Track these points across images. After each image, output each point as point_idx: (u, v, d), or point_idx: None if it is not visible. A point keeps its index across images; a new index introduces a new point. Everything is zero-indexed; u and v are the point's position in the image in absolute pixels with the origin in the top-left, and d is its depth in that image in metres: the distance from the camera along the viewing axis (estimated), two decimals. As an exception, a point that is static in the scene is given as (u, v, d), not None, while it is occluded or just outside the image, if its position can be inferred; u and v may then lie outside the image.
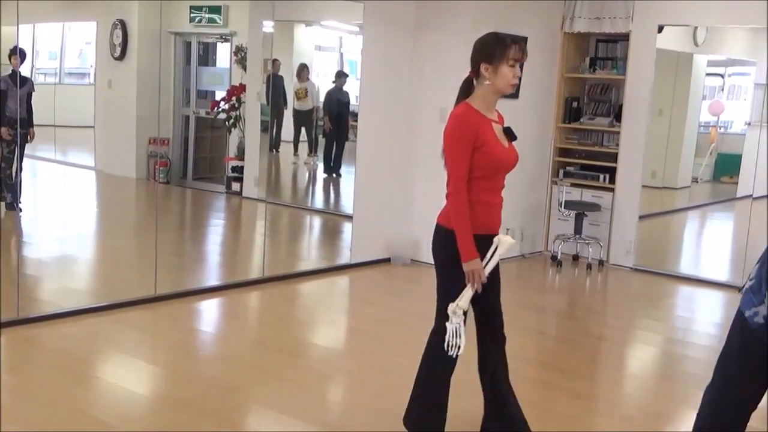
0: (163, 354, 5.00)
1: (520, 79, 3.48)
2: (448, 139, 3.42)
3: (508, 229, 3.57)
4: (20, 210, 6.80)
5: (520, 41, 3.45)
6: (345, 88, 8.82)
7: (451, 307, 3.41)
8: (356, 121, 7.52)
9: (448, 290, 3.48)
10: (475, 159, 3.37)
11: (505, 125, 3.58)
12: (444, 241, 3.47)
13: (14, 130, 6.24)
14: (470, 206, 3.39)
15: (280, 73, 8.50)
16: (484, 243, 3.43)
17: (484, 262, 3.41)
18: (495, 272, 3.55)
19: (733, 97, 9.08)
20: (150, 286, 5.89)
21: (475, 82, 3.48)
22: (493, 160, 3.41)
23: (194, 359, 5.00)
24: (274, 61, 8.34)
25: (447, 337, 3.43)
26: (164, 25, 7.30)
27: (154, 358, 4.92)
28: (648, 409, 4.54)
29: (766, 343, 2.57)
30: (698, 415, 2.89)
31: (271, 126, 8.56)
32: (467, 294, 3.40)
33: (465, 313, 3.42)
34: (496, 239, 3.43)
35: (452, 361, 3.52)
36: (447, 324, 3.43)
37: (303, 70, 8.93)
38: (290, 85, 8.80)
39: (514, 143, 3.57)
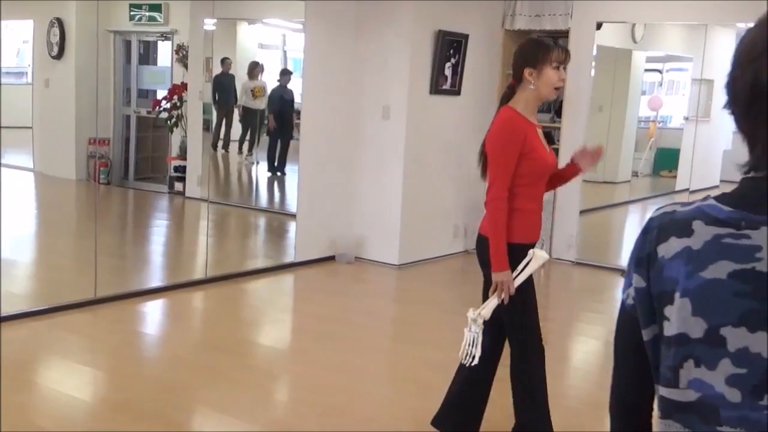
0: (104, 357, 4.92)
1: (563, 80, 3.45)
2: (495, 144, 3.33)
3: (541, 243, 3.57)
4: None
5: (561, 44, 3.42)
6: (289, 86, 8.78)
7: (472, 315, 3.33)
8: (300, 119, 7.50)
9: (514, 304, 3.37)
10: (523, 166, 3.30)
11: (544, 130, 3.57)
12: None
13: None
14: (514, 215, 3.32)
15: (230, 72, 8.45)
16: (526, 252, 3.37)
17: (515, 274, 3.33)
18: (533, 287, 3.50)
19: (672, 92, 9.26)
20: (90, 288, 5.79)
21: (516, 88, 3.43)
22: (540, 166, 3.36)
23: (136, 362, 4.94)
24: (225, 59, 8.28)
25: (463, 345, 3.35)
26: (103, 24, 7.18)
27: (95, 361, 4.84)
28: (591, 400, 4.60)
29: (639, 323, 2.66)
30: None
31: (218, 125, 8.48)
32: (491, 304, 3.32)
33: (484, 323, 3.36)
34: (530, 252, 3.35)
35: (541, 360, 3.54)
36: (465, 331, 3.35)
37: (255, 68, 8.86)
38: (239, 83, 8.73)
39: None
